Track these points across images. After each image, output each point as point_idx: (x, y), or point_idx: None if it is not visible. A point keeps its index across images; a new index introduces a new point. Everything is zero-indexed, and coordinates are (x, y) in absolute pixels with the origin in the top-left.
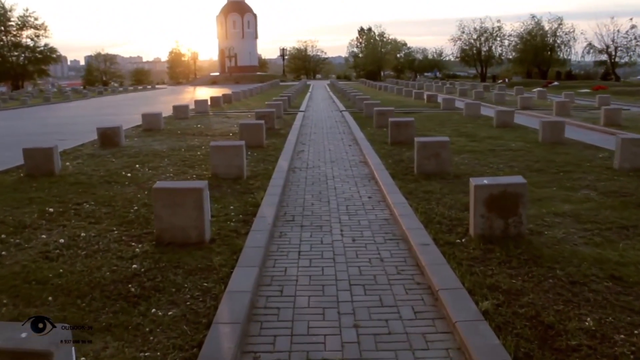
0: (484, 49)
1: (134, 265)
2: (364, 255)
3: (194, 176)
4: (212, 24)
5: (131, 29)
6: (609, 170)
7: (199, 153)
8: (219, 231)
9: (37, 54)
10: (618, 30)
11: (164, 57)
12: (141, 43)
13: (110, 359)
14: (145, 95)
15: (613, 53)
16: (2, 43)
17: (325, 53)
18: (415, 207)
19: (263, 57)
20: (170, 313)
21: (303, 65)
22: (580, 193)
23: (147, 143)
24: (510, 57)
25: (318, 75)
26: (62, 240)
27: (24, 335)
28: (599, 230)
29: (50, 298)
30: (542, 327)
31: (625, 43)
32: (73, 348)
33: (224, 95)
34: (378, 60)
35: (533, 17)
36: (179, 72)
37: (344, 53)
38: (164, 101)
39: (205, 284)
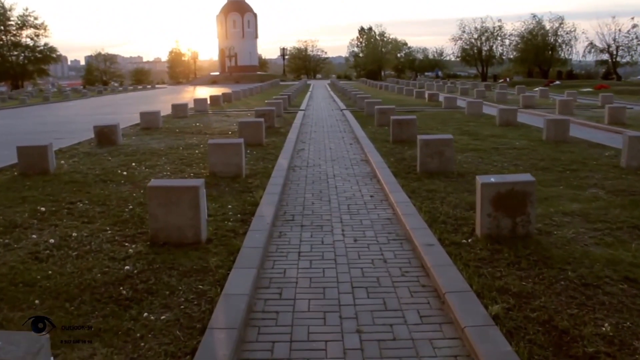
0: (485, 48)
1: (127, 267)
2: (367, 256)
3: (192, 175)
4: (212, 23)
5: (131, 29)
6: (616, 169)
7: (197, 151)
8: (216, 231)
9: (36, 54)
10: (619, 30)
11: (164, 57)
12: (141, 43)
13: None
14: (144, 94)
15: (614, 52)
16: (1, 42)
17: (326, 53)
18: (418, 206)
19: (263, 57)
20: (163, 317)
21: (303, 65)
22: (588, 192)
23: (144, 141)
24: (511, 56)
25: (318, 75)
26: (52, 241)
27: None
28: (610, 230)
29: (37, 301)
30: (556, 333)
31: (626, 42)
32: (52, 358)
33: (223, 94)
34: (378, 59)
35: (534, 16)
36: (179, 72)
37: (344, 53)
38: (163, 100)
39: (200, 287)
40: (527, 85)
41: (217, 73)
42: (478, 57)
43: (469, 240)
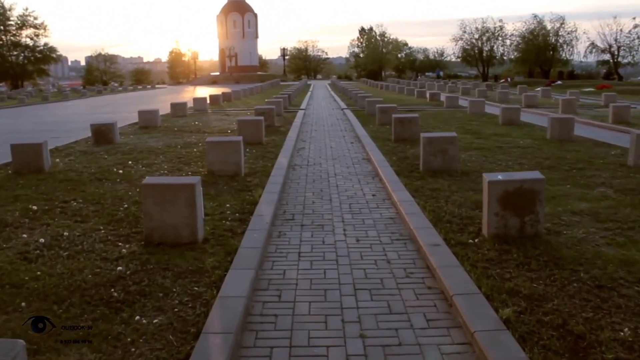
0: (486, 48)
1: (119, 268)
2: (370, 256)
3: (189, 173)
4: (212, 23)
5: (131, 29)
6: (624, 168)
7: (195, 150)
8: (213, 230)
9: (36, 54)
10: (621, 30)
11: (165, 58)
12: (142, 43)
13: None
14: (144, 94)
15: (616, 53)
16: (1, 42)
17: (326, 53)
18: (422, 205)
19: (264, 58)
20: (155, 321)
21: (304, 65)
22: (596, 191)
23: (142, 140)
24: (512, 56)
25: (319, 76)
26: (42, 240)
27: None
28: (621, 229)
29: (23, 304)
30: (571, 338)
31: (628, 42)
32: None
33: (223, 93)
34: (379, 60)
35: (535, 16)
36: (179, 72)
37: (344, 54)
38: (163, 100)
39: (195, 288)
40: (529, 85)
41: (217, 73)
42: (479, 57)
43: (476, 240)
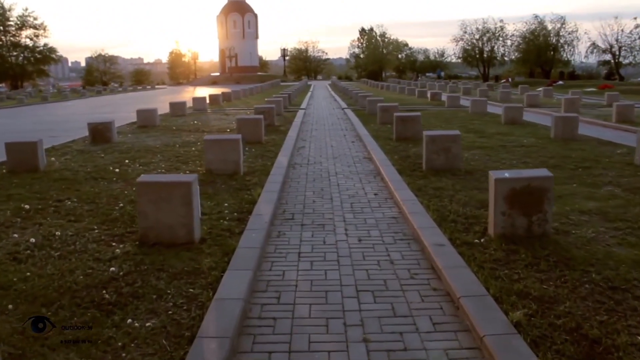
0: (487, 49)
1: (112, 268)
2: (372, 257)
3: (187, 172)
4: (212, 24)
5: (132, 29)
6: (631, 167)
7: (193, 149)
8: (211, 230)
9: (36, 54)
10: (622, 30)
11: (165, 59)
12: (142, 44)
13: None
14: (144, 94)
15: (617, 53)
16: (1, 43)
17: (327, 53)
18: (426, 205)
19: (264, 59)
20: (148, 324)
21: (304, 65)
22: (604, 190)
23: (140, 139)
24: (513, 57)
25: (319, 76)
26: (33, 240)
27: None
28: (631, 229)
29: (10, 306)
30: (586, 342)
31: (629, 43)
32: None
33: (223, 93)
34: (379, 60)
35: (536, 16)
36: (179, 72)
37: (344, 54)
38: (162, 100)
39: (191, 290)
40: (530, 85)
41: (218, 74)
42: (479, 57)
43: (482, 240)
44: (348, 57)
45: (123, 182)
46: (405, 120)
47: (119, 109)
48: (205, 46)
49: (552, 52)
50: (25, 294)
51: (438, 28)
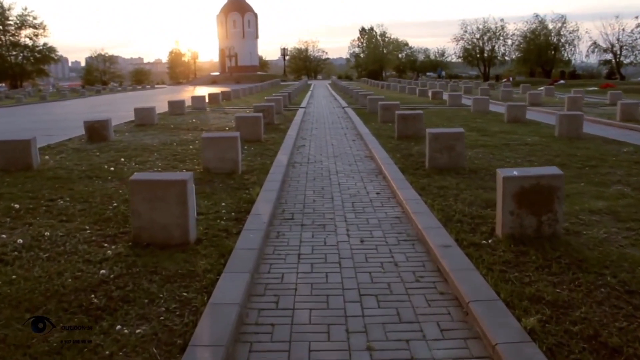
0: (487, 48)
1: (102, 271)
2: (375, 259)
3: (184, 170)
4: (212, 24)
5: (132, 29)
6: (639, 165)
7: (191, 147)
8: (207, 230)
9: (35, 54)
10: (623, 29)
11: (165, 59)
12: (142, 44)
13: None
14: (143, 94)
15: (618, 52)
16: (0, 42)
17: (327, 53)
18: (430, 204)
19: (264, 58)
20: (138, 331)
21: (304, 65)
22: (613, 189)
23: (137, 137)
24: (514, 56)
25: (319, 76)
26: (20, 241)
27: None
28: None
29: None
30: (606, 352)
31: (630, 42)
32: None
33: (222, 92)
34: (380, 59)
35: (537, 16)
36: (179, 72)
37: (344, 54)
38: (161, 99)
39: (184, 294)
40: (531, 84)
41: (217, 73)
42: (480, 57)
43: (490, 241)
44: (348, 56)
45: (118, 181)
46: (407, 118)
47: (118, 107)
48: (205, 46)
49: (552, 52)
50: (10, 298)
51: (438, 28)
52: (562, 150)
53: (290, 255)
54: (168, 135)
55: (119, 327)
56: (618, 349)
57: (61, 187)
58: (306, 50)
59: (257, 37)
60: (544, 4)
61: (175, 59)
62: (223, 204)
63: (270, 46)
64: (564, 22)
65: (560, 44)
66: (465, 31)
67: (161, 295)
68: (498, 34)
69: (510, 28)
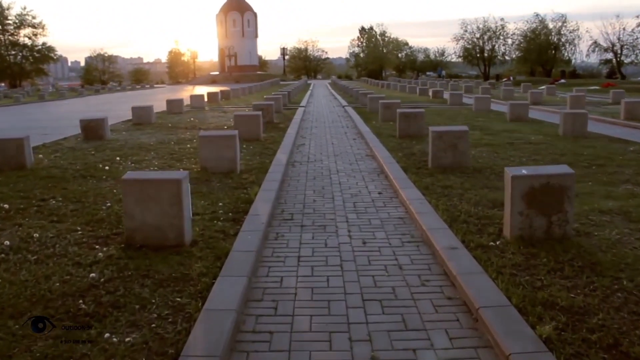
0: (487, 47)
1: (92, 274)
2: (378, 261)
3: (180, 170)
4: (211, 23)
5: (131, 29)
6: None
7: (189, 146)
8: (203, 232)
9: (34, 53)
10: (624, 29)
11: (164, 59)
12: (142, 44)
13: None
14: (142, 93)
15: (619, 51)
16: None
17: (327, 53)
18: (434, 204)
19: (264, 58)
20: (128, 339)
21: (304, 65)
22: (622, 188)
23: (134, 136)
24: (514, 56)
25: (319, 75)
26: (7, 243)
27: None
28: None
29: None
30: None
31: (631, 41)
32: None
33: (222, 91)
34: (380, 59)
35: (537, 15)
36: (178, 71)
37: (344, 54)
38: (160, 99)
39: (178, 299)
40: (532, 84)
41: (217, 73)
42: (480, 56)
43: (498, 243)
44: (348, 56)
45: (113, 180)
46: (408, 117)
47: (116, 107)
48: (204, 45)
49: (553, 51)
50: None
51: (438, 28)
52: (567, 149)
53: (289, 258)
54: (165, 134)
55: (107, 335)
56: None
57: (54, 186)
58: (306, 49)
59: (256, 36)
60: (544, 4)
61: (174, 58)
62: (220, 204)
63: (270, 46)
64: (564, 22)
65: (561, 43)
66: (466, 31)
67: (153, 301)
68: (498, 33)
69: (511, 27)
